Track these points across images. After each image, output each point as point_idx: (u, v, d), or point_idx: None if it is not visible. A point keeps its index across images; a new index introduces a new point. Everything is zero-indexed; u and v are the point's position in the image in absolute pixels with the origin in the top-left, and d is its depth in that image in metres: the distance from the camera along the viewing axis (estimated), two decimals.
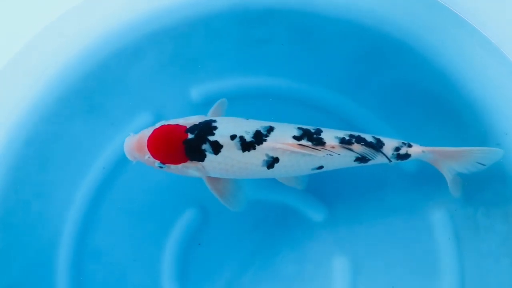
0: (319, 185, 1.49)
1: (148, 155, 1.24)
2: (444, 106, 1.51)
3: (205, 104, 1.51)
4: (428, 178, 1.47)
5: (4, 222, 1.48)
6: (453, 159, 1.34)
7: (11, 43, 1.53)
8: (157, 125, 1.25)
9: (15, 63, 1.53)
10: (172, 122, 1.26)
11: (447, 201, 1.46)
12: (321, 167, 1.29)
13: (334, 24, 1.55)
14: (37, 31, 1.54)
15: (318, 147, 1.24)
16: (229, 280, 1.47)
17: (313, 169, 1.29)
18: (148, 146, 1.23)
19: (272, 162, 1.24)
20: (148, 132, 1.25)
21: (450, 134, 1.50)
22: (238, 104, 1.51)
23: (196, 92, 1.54)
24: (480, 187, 1.46)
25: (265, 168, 1.25)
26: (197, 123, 1.25)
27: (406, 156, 1.33)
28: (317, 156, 1.25)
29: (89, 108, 1.53)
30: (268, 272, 1.47)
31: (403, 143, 1.33)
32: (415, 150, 1.33)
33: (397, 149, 1.32)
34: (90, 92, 1.54)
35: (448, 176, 1.37)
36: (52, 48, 1.54)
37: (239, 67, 1.55)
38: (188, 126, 1.24)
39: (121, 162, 1.49)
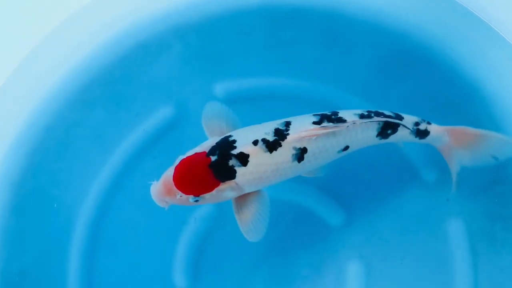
0: (339, 189, 1.49)
1: (179, 195, 1.20)
2: (468, 116, 1.50)
3: (229, 100, 1.52)
4: (446, 188, 1.46)
5: (19, 207, 1.48)
6: (467, 147, 1.33)
7: (36, 31, 1.54)
8: (176, 162, 1.21)
9: (40, 50, 1.53)
10: (190, 153, 1.22)
11: (464, 212, 1.46)
12: (346, 147, 1.27)
13: (362, 28, 1.55)
14: (63, 19, 1.54)
15: (340, 124, 1.23)
16: (241, 277, 1.46)
17: (339, 152, 1.27)
18: (176, 185, 1.19)
19: (301, 153, 1.22)
20: (170, 172, 1.21)
21: None
22: (260, 103, 1.52)
23: (220, 88, 1.54)
24: (499, 201, 1.45)
25: (296, 162, 1.23)
26: (214, 144, 1.22)
27: (426, 133, 1.32)
28: (341, 135, 1.24)
29: (111, 98, 1.53)
30: (280, 272, 1.47)
31: (422, 119, 1.32)
32: (434, 128, 1.32)
33: (417, 123, 1.32)
34: (113, 83, 1.54)
35: (455, 168, 1.36)
36: (78, 37, 1.55)
37: (264, 66, 1.55)
38: (207, 150, 1.21)
39: (139, 153, 1.48)
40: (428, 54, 1.53)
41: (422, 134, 1.32)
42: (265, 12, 1.55)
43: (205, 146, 1.23)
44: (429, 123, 1.33)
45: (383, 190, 1.49)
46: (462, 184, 1.38)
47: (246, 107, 1.54)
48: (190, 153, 1.22)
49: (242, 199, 1.28)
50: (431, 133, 1.33)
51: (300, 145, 1.22)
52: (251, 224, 1.28)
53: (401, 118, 1.30)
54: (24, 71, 1.52)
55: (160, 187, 1.21)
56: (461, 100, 1.51)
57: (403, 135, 1.31)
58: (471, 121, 1.47)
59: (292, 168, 1.24)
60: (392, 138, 1.30)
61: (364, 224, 1.48)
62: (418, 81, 1.53)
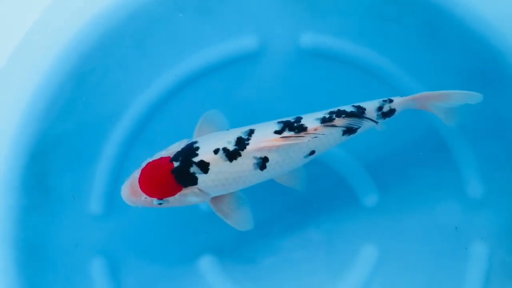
0: (378, 169, 1.50)
1: (144, 196, 1.24)
2: None
3: (312, 53, 1.52)
4: (485, 210, 1.47)
5: (40, 151, 1.49)
6: (436, 101, 1.33)
7: None
8: (143, 164, 1.24)
9: None
10: (156, 156, 1.25)
11: (491, 237, 1.46)
12: (312, 152, 1.28)
13: (462, 29, 1.52)
14: None
15: (301, 134, 1.23)
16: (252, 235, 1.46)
17: (306, 156, 1.28)
18: (140, 187, 1.23)
19: (262, 162, 1.24)
20: (137, 174, 1.24)
21: None
22: (339, 67, 1.52)
23: (306, 38, 1.54)
24: None
25: (259, 170, 1.25)
26: (179, 149, 1.25)
27: (391, 112, 1.32)
28: (304, 143, 1.24)
29: (137, 44, 1.53)
30: (297, 233, 1.48)
31: (383, 100, 1.31)
32: (398, 102, 1.31)
33: (380, 108, 1.31)
34: (140, 30, 1.53)
35: (440, 115, 1.36)
36: None
37: (356, 33, 1.54)
38: (171, 156, 1.24)
39: (164, 101, 1.51)
40: None
41: (388, 114, 1.32)
42: None
43: (171, 150, 1.26)
44: (391, 100, 1.32)
45: (422, 189, 1.50)
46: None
47: (323, 64, 1.54)
48: (156, 156, 1.25)
49: (215, 200, 1.31)
50: (397, 109, 1.32)
51: (261, 154, 1.23)
52: (235, 218, 1.32)
53: (363, 110, 1.29)
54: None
55: (128, 188, 1.25)
56: None
57: (370, 124, 1.31)
58: None
59: (256, 175, 1.26)
60: (361, 130, 1.30)
61: (392, 212, 1.49)
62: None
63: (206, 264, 1.47)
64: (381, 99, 1.31)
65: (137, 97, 1.52)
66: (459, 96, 1.33)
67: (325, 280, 1.46)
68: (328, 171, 1.51)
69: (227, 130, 1.30)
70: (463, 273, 1.46)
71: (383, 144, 1.51)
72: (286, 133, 1.23)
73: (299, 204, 1.49)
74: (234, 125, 1.32)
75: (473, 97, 1.33)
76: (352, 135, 1.30)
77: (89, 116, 1.50)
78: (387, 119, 1.32)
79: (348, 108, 1.29)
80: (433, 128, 1.51)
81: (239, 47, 1.54)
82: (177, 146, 1.27)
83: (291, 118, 1.27)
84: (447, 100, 1.33)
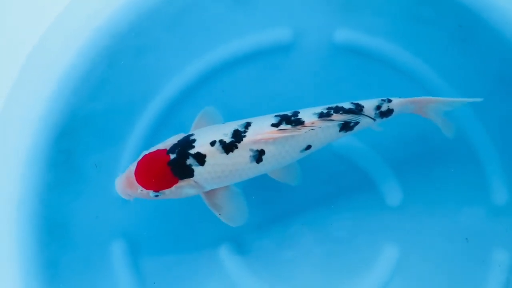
0: (403, 168, 1.50)
1: (140, 189, 1.24)
2: None
3: (345, 49, 1.51)
4: (509, 218, 1.46)
5: (68, 129, 1.49)
6: (434, 104, 1.34)
7: None
8: (140, 157, 1.25)
9: None
10: (152, 149, 1.25)
11: None
12: (309, 146, 1.28)
13: (496, 35, 1.51)
14: None
15: (298, 127, 1.23)
16: (271, 228, 1.48)
17: (302, 151, 1.28)
18: (136, 179, 1.23)
19: (258, 155, 1.24)
20: (133, 167, 1.25)
21: None
22: (371, 66, 1.52)
23: (340, 34, 1.53)
24: None
25: (255, 163, 1.25)
26: (176, 142, 1.25)
27: (389, 111, 1.32)
28: (301, 137, 1.25)
29: (170, 29, 1.53)
30: (318, 228, 1.48)
31: (382, 100, 1.31)
32: (396, 103, 1.32)
33: (378, 107, 1.31)
34: (174, 15, 1.53)
35: (438, 121, 1.36)
36: None
37: (389, 32, 1.53)
38: (168, 148, 1.24)
39: (194, 88, 1.52)
40: None
41: (386, 114, 1.32)
42: None
43: (167, 143, 1.26)
44: (389, 100, 1.32)
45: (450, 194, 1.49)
46: None
47: (355, 60, 1.53)
48: (153, 149, 1.26)
49: (209, 193, 1.31)
50: (394, 110, 1.32)
51: (257, 147, 1.23)
52: (229, 209, 1.33)
53: (361, 108, 1.29)
54: None
55: (123, 180, 1.26)
56: None
57: (368, 122, 1.31)
58: None
59: (252, 169, 1.26)
60: (358, 127, 1.30)
61: (416, 213, 1.48)
62: None
63: (226, 253, 1.46)
64: (380, 98, 1.32)
65: (168, 82, 1.51)
66: (458, 104, 1.35)
67: (345, 278, 1.46)
68: (354, 168, 1.50)
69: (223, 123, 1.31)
70: (484, 279, 1.44)
71: (410, 145, 1.51)
72: (283, 126, 1.23)
73: (323, 199, 1.49)
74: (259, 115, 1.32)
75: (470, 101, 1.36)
76: (349, 132, 1.30)
77: (119, 98, 1.50)
78: (384, 119, 1.32)
79: (347, 105, 1.29)
80: (461, 132, 1.50)
81: (272, 39, 1.53)
82: (174, 139, 1.27)
83: (288, 112, 1.27)
84: (446, 107, 1.34)
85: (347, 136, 1.32)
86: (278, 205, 1.48)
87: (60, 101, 1.49)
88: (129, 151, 1.49)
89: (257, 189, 1.46)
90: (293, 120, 1.24)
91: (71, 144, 1.49)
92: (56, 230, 1.46)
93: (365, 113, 1.29)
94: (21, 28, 1.48)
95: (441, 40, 1.53)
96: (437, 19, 1.53)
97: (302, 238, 1.47)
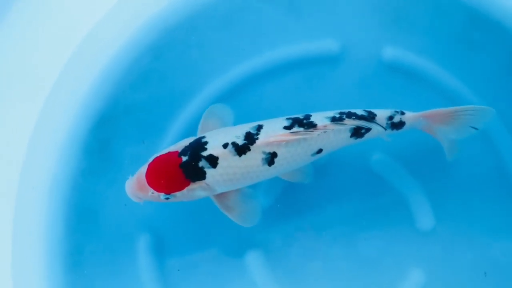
0: (440, 198, 1.47)
1: (151, 191, 1.23)
2: None
3: (392, 67, 1.50)
4: None
5: (108, 117, 1.50)
6: (446, 123, 1.33)
7: None
8: (150, 160, 1.25)
9: None
10: (164, 152, 1.25)
11: None
12: (320, 150, 1.28)
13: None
14: None
15: (311, 129, 1.23)
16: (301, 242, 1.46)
17: (313, 154, 1.28)
18: (148, 182, 1.23)
19: (271, 157, 1.23)
20: (144, 169, 1.24)
21: None
22: (416, 86, 1.51)
23: (388, 51, 1.52)
24: None
25: (267, 166, 1.24)
26: (187, 144, 1.25)
27: (401, 124, 1.32)
28: (313, 140, 1.25)
29: (219, 29, 1.53)
30: (347, 243, 1.46)
31: (395, 111, 1.32)
32: (409, 116, 1.32)
33: (391, 118, 1.31)
34: (225, 15, 1.53)
35: (444, 142, 1.36)
36: None
37: (438, 55, 1.52)
38: (180, 150, 1.23)
39: (237, 89, 1.51)
40: None
41: (397, 126, 1.32)
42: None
43: (179, 145, 1.26)
44: (402, 113, 1.32)
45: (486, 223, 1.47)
46: None
47: (400, 79, 1.52)
48: (164, 151, 1.25)
49: (219, 195, 1.31)
50: (406, 123, 1.32)
51: (270, 149, 1.23)
52: (241, 210, 1.32)
53: (373, 116, 1.29)
54: None
55: (134, 183, 1.25)
56: None
57: (379, 131, 1.30)
58: None
59: (264, 171, 1.25)
60: (368, 136, 1.30)
61: (446, 241, 1.45)
62: None
63: (252, 257, 1.45)
64: (394, 110, 1.32)
65: (211, 81, 1.52)
66: (470, 117, 1.33)
67: None
68: (389, 188, 1.49)
69: (233, 125, 1.31)
70: None
71: (448, 172, 1.48)
72: (295, 129, 1.23)
73: (354, 215, 1.47)
74: None
75: (484, 113, 1.34)
76: (359, 139, 1.30)
77: (162, 91, 1.51)
78: (395, 130, 1.32)
79: (359, 112, 1.29)
80: (501, 165, 1.48)
81: (320, 49, 1.53)
82: (186, 142, 1.26)
83: (300, 115, 1.27)
84: (458, 120, 1.33)
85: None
86: (309, 216, 1.47)
87: (103, 89, 1.50)
88: (166, 144, 1.48)
89: (288, 198, 1.46)
90: (305, 123, 1.25)
91: (109, 133, 1.49)
92: (85, 216, 1.46)
93: (376, 121, 1.30)
94: (76, 15, 1.50)
95: (490, 68, 1.52)
96: (488, 46, 1.51)
97: (330, 251, 1.45)
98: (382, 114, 1.31)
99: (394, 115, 1.32)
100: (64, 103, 1.48)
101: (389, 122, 1.31)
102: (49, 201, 1.45)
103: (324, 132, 1.24)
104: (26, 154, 1.45)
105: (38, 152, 1.46)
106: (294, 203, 1.46)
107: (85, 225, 1.46)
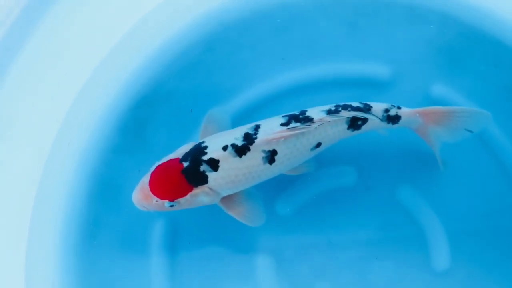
0: (461, 239, 1.46)
1: (155, 199, 1.25)
2: None
3: (437, 103, 1.49)
4: None
5: (148, 99, 1.52)
6: (441, 124, 1.34)
7: None
8: (152, 168, 1.26)
9: None
10: (164, 159, 1.26)
11: None
12: (319, 144, 1.29)
13: None
14: None
15: (308, 123, 1.25)
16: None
17: (312, 149, 1.29)
18: (151, 190, 1.24)
19: (271, 155, 1.25)
20: (147, 178, 1.26)
21: None
22: None
23: (437, 89, 1.52)
24: None
25: (268, 164, 1.25)
26: (187, 150, 1.26)
27: (397, 118, 1.33)
28: (311, 134, 1.26)
29: (274, 34, 1.55)
30: (358, 269, 1.45)
31: (392, 105, 1.33)
32: (405, 111, 1.33)
33: (387, 110, 1.32)
34: (281, 21, 1.54)
35: (435, 146, 1.37)
36: None
37: (488, 102, 1.50)
38: (180, 157, 1.25)
39: (280, 95, 1.52)
40: None
41: (393, 119, 1.33)
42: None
43: (179, 152, 1.27)
44: (399, 107, 1.34)
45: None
46: None
47: None
48: (165, 159, 1.26)
49: (225, 200, 1.31)
50: (402, 117, 1.33)
51: (269, 147, 1.25)
52: (248, 212, 1.33)
53: (369, 108, 1.30)
54: None
55: (138, 193, 1.26)
56: None
57: (374, 124, 1.31)
58: None
59: (265, 170, 1.27)
60: (365, 128, 1.31)
61: (461, 284, 1.43)
62: None
63: (262, 264, 1.45)
64: (390, 104, 1.33)
65: (256, 82, 1.53)
66: (466, 119, 1.34)
67: None
68: (409, 220, 1.47)
69: (231, 128, 1.32)
70: None
71: (472, 218, 1.47)
72: (292, 125, 1.25)
73: (371, 242, 1.46)
74: None
75: (481, 117, 1.35)
76: (356, 131, 1.31)
77: (205, 84, 1.53)
78: (390, 124, 1.33)
79: (355, 104, 1.31)
80: None
81: (371, 72, 1.53)
82: (185, 148, 1.28)
83: (295, 112, 1.29)
84: (454, 121, 1.34)
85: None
86: (326, 234, 1.46)
87: (149, 73, 1.52)
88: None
89: (309, 212, 1.46)
90: (302, 118, 1.26)
91: (147, 115, 1.51)
92: (108, 191, 1.48)
93: (372, 113, 1.31)
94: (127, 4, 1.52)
95: None
96: None
97: (340, 274, 1.44)
98: (378, 107, 1.33)
99: (391, 108, 1.33)
100: (108, 81, 1.51)
101: (385, 114, 1.33)
102: (76, 170, 1.48)
103: (321, 124, 1.26)
104: (63, 123, 1.48)
105: (75, 122, 1.49)
106: (315, 218, 1.46)
107: (106, 199, 1.48)
